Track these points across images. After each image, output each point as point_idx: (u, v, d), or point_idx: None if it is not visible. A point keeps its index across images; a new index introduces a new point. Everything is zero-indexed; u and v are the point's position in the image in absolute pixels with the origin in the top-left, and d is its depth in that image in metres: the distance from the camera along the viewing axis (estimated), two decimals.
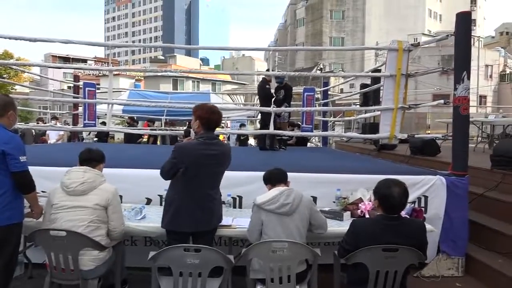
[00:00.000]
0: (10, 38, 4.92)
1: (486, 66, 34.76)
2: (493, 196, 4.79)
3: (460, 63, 4.20)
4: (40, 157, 4.74)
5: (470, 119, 6.43)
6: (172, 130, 11.88)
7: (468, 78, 4.14)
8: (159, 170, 3.18)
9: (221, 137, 13.48)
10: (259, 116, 13.22)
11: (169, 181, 3.17)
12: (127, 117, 12.75)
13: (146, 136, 11.68)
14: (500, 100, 34.38)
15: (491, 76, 35.72)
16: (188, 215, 3.00)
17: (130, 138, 11.01)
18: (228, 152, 3.23)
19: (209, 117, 3.07)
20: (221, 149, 3.17)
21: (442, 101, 4.89)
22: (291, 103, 8.03)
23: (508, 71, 37.10)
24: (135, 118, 12.66)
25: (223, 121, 14.83)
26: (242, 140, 12.17)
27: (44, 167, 4.05)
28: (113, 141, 13.81)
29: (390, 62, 4.92)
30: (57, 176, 3.69)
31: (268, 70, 7.83)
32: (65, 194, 3.01)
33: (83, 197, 3.00)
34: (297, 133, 7.05)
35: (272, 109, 5.70)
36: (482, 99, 33.79)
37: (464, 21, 4.19)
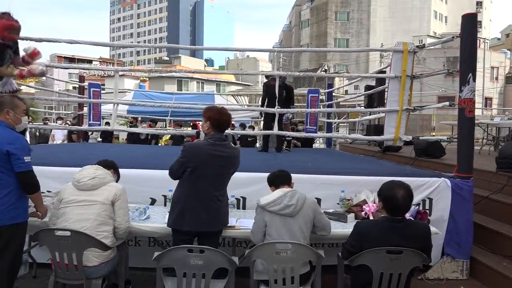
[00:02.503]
0: (15, 38, 4.94)
1: (492, 68, 34.58)
2: (498, 199, 4.76)
3: (465, 65, 4.17)
4: (45, 157, 4.76)
5: (476, 121, 6.40)
6: (178, 130, 11.88)
7: (474, 80, 4.12)
8: (163, 171, 3.20)
9: None
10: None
11: (175, 182, 3.19)
12: (130, 117, 12.82)
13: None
14: (506, 102, 34.19)
15: (496, 78, 35.53)
16: (192, 215, 3.01)
17: (131, 138, 11.11)
18: (237, 155, 3.25)
19: (220, 118, 3.11)
20: (230, 151, 3.18)
21: (447, 103, 4.88)
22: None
23: None
24: (140, 119, 12.72)
25: None
26: (249, 141, 12.09)
27: (49, 167, 4.06)
28: (118, 141, 13.85)
29: (395, 63, 4.91)
30: (62, 176, 3.74)
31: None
32: (75, 189, 3.07)
33: (92, 192, 3.05)
34: (300, 134, 7.04)
35: (277, 110, 5.69)
36: (487, 101, 33.61)
37: (470, 23, 4.17)
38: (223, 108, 3.25)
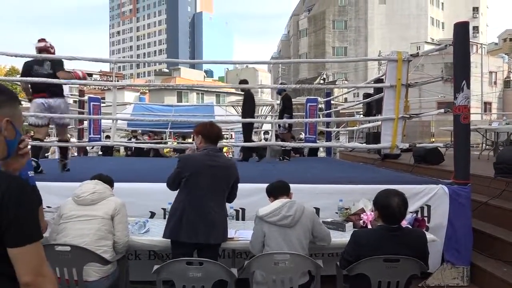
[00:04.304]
0: (16, 55, 5.02)
1: (490, 72, 34.70)
2: (497, 204, 4.77)
3: (459, 72, 4.21)
4: (47, 172, 4.79)
5: (474, 127, 6.38)
6: (183, 143, 11.97)
7: (468, 87, 4.16)
8: (162, 184, 3.25)
9: (225, 149, 13.59)
10: (264, 127, 13.29)
11: (173, 194, 3.23)
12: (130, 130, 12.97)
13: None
14: (505, 107, 34.24)
15: (495, 83, 35.64)
16: (188, 226, 3.04)
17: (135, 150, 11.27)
18: (233, 166, 3.30)
19: (210, 129, 3.20)
20: (225, 162, 3.26)
21: (442, 110, 4.91)
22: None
23: None
24: (140, 131, 12.84)
25: (226, 133, 14.99)
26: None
27: (51, 182, 4.09)
28: (119, 154, 13.88)
29: (390, 72, 4.95)
30: (63, 191, 3.76)
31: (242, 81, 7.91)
32: (75, 204, 3.10)
33: (92, 206, 3.09)
34: (298, 144, 7.09)
35: (274, 120, 5.74)
36: (487, 105, 33.67)
37: (462, 31, 4.22)
38: (212, 121, 3.40)
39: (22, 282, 1.22)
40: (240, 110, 18.64)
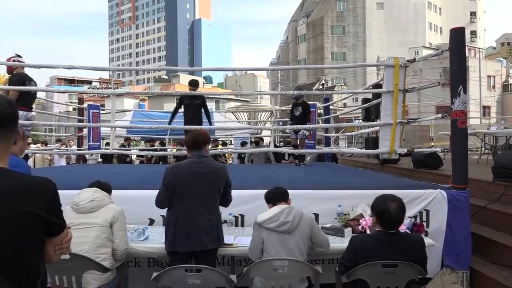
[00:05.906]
0: (14, 65, 5.08)
1: (489, 77, 34.82)
2: (496, 209, 4.77)
3: (456, 78, 4.24)
4: None
5: (473, 131, 6.39)
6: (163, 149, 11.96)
7: (465, 92, 4.18)
8: None
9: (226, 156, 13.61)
10: (263, 133, 13.30)
11: None
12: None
13: None
14: (504, 110, 34.31)
15: (493, 87, 35.74)
16: (184, 235, 3.07)
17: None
18: (222, 169, 3.29)
19: (193, 138, 3.21)
20: (213, 166, 3.24)
21: (440, 115, 4.93)
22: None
23: (511, 81, 37.13)
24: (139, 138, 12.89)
25: (225, 139, 15.00)
26: (241, 158, 12.27)
27: None
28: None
29: (388, 78, 4.99)
30: (62, 199, 3.74)
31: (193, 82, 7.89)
32: (74, 212, 3.10)
33: (91, 214, 3.09)
34: (296, 150, 7.09)
35: (273, 127, 5.76)
36: (486, 109, 33.74)
37: (458, 37, 4.25)
38: (197, 129, 3.41)
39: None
40: (240, 116, 18.71)
